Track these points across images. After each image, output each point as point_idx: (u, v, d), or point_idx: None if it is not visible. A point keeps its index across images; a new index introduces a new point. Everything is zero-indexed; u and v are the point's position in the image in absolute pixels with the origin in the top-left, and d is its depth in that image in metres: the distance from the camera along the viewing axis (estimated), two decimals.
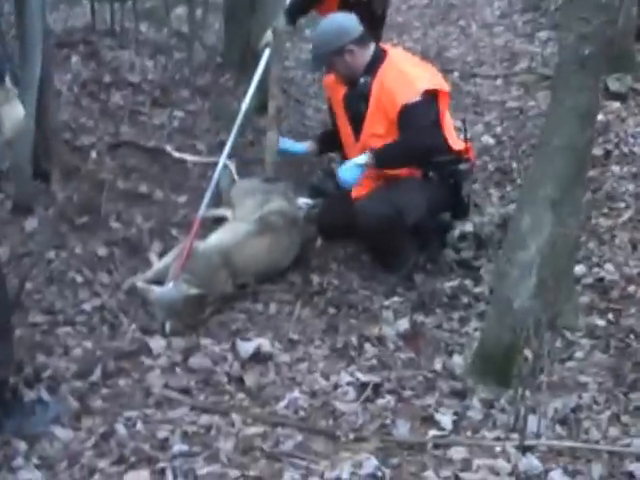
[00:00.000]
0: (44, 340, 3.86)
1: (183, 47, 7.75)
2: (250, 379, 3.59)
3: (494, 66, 8.03)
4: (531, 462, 2.93)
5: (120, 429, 3.20)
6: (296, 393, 3.47)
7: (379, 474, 2.92)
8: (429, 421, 3.30)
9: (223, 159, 4.93)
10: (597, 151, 5.66)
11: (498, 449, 3.04)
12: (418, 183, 4.51)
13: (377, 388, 3.51)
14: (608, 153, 5.78)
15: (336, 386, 3.54)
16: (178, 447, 3.09)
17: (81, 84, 6.60)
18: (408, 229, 4.50)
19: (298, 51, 8.50)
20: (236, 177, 5.26)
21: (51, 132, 5.22)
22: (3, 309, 3.22)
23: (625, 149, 5.88)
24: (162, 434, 3.18)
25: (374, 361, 3.77)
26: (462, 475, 2.93)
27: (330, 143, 5.07)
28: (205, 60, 7.64)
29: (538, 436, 3.12)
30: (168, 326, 4.01)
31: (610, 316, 4.08)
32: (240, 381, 3.60)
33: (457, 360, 3.71)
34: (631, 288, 4.31)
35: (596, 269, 4.49)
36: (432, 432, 3.21)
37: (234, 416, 3.30)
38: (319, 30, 4.67)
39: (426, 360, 3.78)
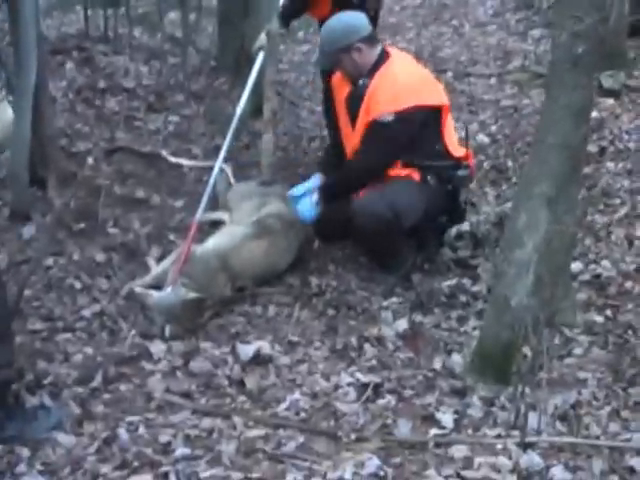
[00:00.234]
0: (44, 347, 3.85)
1: (177, 52, 7.79)
2: (251, 382, 3.59)
3: (488, 65, 8.06)
4: (532, 459, 2.94)
5: (122, 434, 3.20)
6: (297, 395, 3.48)
7: (381, 473, 2.93)
8: (430, 420, 3.31)
9: (219, 163, 4.93)
10: (592, 148, 5.69)
11: (499, 446, 3.05)
12: (416, 186, 4.51)
13: (377, 388, 3.51)
14: (603, 150, 5.82)
15: (337, 387, 3.55)
16: (180, 451, 3.09)
17: (76, 90, 6.64)
18: (404, 231, 4.51)
19: (292, 54, 8.53)
20: (232, 180, 5.27)
21: (47, 139, 5.23)
22: (3, 312, 3.23)
23: (620, 145, 5.92)
24: (164, 438, 3.19)
25: (374, 361, 3.77)
26: (464, 473, 2.94)
27: (336, 167, 5.03)
28: (199, 64, 7.69)
29: (539, 433, 3.13)
30: (167, 330, 4.01)
31: (608, 312, 4.09)
32: (241, 384, 3.60)
33: (456, 359, 3.71)
34: (628, 284, 4.33)
35: (593, 266, 4.51)
36: (433, 431, 3.22)
37: (236, 419, 3.30)
38: (329, 27, 4.66)
39: (425, 359, 3.79)
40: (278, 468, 3.04)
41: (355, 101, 4.61)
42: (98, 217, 5.03)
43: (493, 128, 6.52)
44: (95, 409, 3.40)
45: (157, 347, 3.87)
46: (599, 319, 4.03)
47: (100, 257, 4.67)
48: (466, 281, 4.50)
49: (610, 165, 5.61)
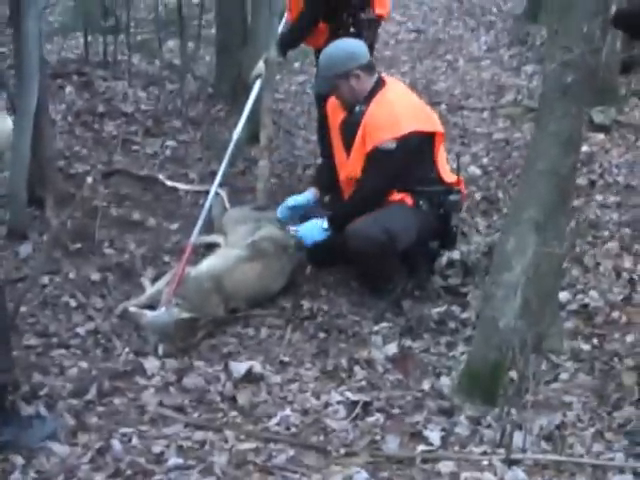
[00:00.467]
0: (39, 361, 3.91)
1: (175, 79, 7.87)
2: (242, 398, 3.65)
3: (481, 99, 8.14)
4: (517, 475, 3.00)
5: (116, 444, 3.25)
6: (288, 411, 3.54)
7: None
8: (418, 437, 3.37)
9: (215, 187, 5.01)
10: (582, 181, 5.79)
11: (485, 463, 3.12)
12: (409, 210, 4.58)
13: (367, 406, 3.58)
14: (592, 183, 5.91)
15: (327, 404, 3.61)
16: (173, 461, 3.14)
17: (75, 114, 6.73)
18: (397, 254, 4.58)
19: (288, 84, 8.62)
20: (227, 205, 5.35)
21: (46, 160, 5.32)
22: (1, 317, 3.30)
23: (609, 179, 6.02)
24: (157, 449, 3.24)
25: (363, 382, 3.83)
26: None
27: (329, 185, 5.05)
28: (197, 91, 7.78)
29: (524, 451, 3.19)
30: (160, 349, 4.07)
31: (595, 341, 4.16)
32: (233, 400, 3.65)
33: (445, 381, 3.77)
34: (615, 314, 4.40)
35: (581, 296, 4.58)
36: (421, 447, 3.28)
37: (227, 432, 3.35)
38: (328, 52, 4.71)
39: (414, 382, 3.84)
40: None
41: (350, 127, 4.66)
42: (94, 238, 5.09)
43: (485, 160, 6.59)
44: (89, 420, 3.45)
45: (151, 363, 3.93)
46: (586, 347, 4.09)
47: (95, 276, 4.73)
48: (456, 308, 4.55)
49: (599, 198, 5.70)
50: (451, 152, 5.93)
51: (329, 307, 4.59)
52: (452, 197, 4.67)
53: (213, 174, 5.42)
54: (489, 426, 3.39)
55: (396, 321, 4.47)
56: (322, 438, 3.39)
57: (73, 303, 4.48)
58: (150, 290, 4.55)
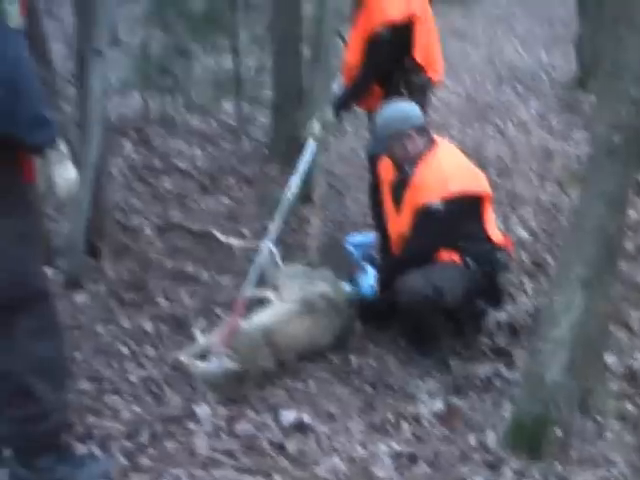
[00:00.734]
0: (93, 405, 3.99)
1: (230, 138, 8.04)
2: (291, 446, 3.72)
3: (529, 164, 8.19)
4: None
5: None
6: (335, 459, 3.61)
7: None
8: None
9: (267, 244, 5.12)
10: (629, 245, 5.83)
11: None
12: (457, 267, 4.65)
13: (413, 457, 3.64)
14: (639, 248, 5.94)
15: (373, 454, 3.67)
16: None
17: (133, 169, 6.93)
18: (445, 310, 4.64)
19: (340, 146, 8.75)
20: (279, 262, 5.44)
21: (104, 212, 5.47)
22: (61, 360, 3.40)
23: None
24: None
25: (410, 436, 3.89)
26: None
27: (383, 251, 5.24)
28: (251, 151, 7.93)
29: None
30: (210, 399, 4.15)
31: None
32: (281, 447, 3.72)
33: (490, 436, 3.81)
34: None
35: (627, 359, 4.60)
36: None
37: (276, 477, 3.43)
38: (385, 113, 4.83)
39: (460, 436, 3.89)
40: None
41: (401, 186, 4.79)
42: (148, 289, 5.21)
43: (533, 224, 6.65)
44: (141, 462, 3.52)
45: (202, 410, 3.99)
46: (631, 408, 4.10)
47: (148, 326, 4.82)
48: (502, 368, 4.59)
49: None
50: (499, 215, 6.01)
51: (377, 363, 4.66)
52: (499, 256, 4.74)
53: (266, 231, 5.54)
54: (533, 478, 3.42)
55: (442, 378, 4.52)
56: None
57: (126, 351, 4.56)
58: (202, 341, 4.62)
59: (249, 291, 4.81)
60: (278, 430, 3.87)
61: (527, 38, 14.29)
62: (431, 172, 4.66)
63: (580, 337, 3.49)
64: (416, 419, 4.07)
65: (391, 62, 5.29)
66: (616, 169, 3.43)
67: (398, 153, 4.78)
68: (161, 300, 5.17)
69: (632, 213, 6.24)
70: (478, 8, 17.66)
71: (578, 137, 8.71)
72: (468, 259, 4.67)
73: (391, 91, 5.28)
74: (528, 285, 5.59)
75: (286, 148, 7.27)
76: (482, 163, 7.75)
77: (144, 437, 3.71)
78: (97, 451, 3.55)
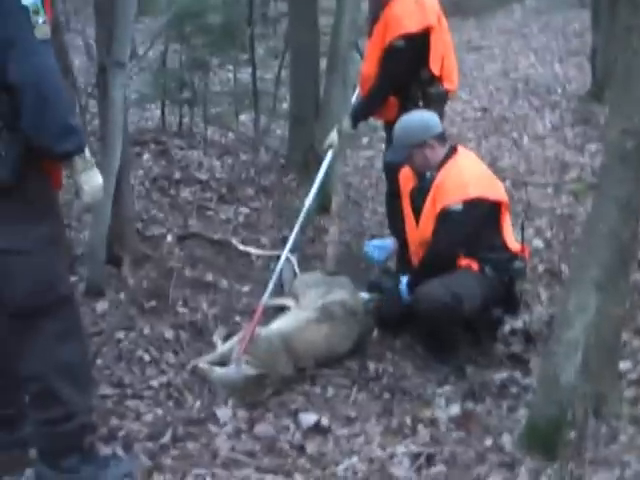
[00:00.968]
0: (116, 408, 4.08)
1: (248, 150, 8.13)
2: (311, 447, 3.81)
3: (545, 175, 8.22)
4: None
5: None
6: (354, 459, 3.68)
7: None
8: None
9: (286, 253, 5.20)
10: None
11: None
12: (475, 276, 4.71)
13: (430, 458, 3.69)
14: None
15: (392, 455, 3.73)
16: None
17: (152, 180, 7.00)
18: (463, 317, 4.68)
19: (356, 158, 8.82)
20: (297, 270, 5.51)
21: (125, 221, 5.54)
22: (85, 363, 3.49)
23: None
24: None
25: (427, 438, 3.94)
26: None
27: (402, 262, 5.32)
28: (269, 162, 8.02)
29: None
30: (230, 403, 4.22)
31: None
32: (301, 448, 3.80)
33: (506, 438, 3.85)
34: None
35: None
36: None
37: (297, 476, 3.51)
38: (404, 123, 4.90)
39: (476, 439, 3.93)
40: None
41: (421, 193, 4.85)
42: (169, 297, 5.28)
43: (548, 234, 6.69)
44: (164, 462, 3.60)
45: (223, 412, 4.09)
46: None
47: (169, 334, 4.88)
48: (518, 374, 4.61)
49: None
50: (515, 226, 6.04)
51: (394, 369, 4.71)
52: (517, 264, 4.79)
53: (284, 240, 5.62)
54: (549, 478, 3.46)
55: (459, 385, 4.55)
56: None
57: (147, 357, 4.63)
58: (221, 348, 4.70)
59: (267, 299, 4.87)
60: (298, 432, 3.95)
61: (542, 51, 14.33)
62: (452, 178, 4.73)
63: (594, 340, 3.54)
64: (433, 423, 4.12)
65: (407, 74, 5.34)
66: (628, 175, 3.48)
67: (419, 162, 4.86)
68: (181, 308, 5.24)
69: None
70: (493, 22, 17.74)
71: (593, 149, 8.74)
72: (486, 268, 4.73)
73: (407, 102, 5.34)
74: (543, 294, 5.62)
75: (303, 159, 7.36)
76: (498, 175, 7.76)
77: (166, 438, 3.79)
78: (121, 452, 3.63)
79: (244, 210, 6.87)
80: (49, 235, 3.24)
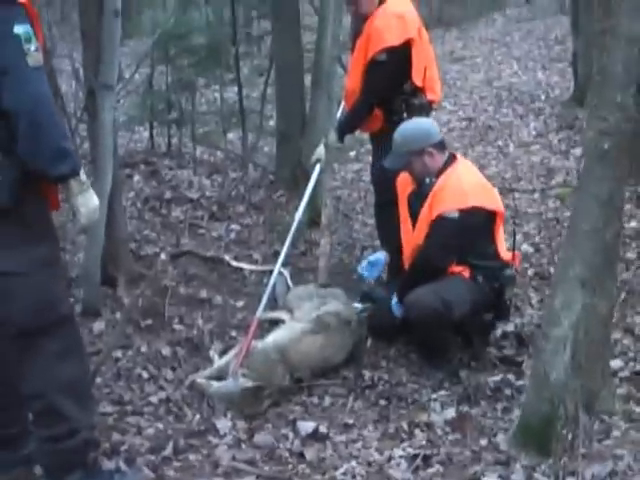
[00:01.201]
0: (117, 425, 4.14)
1: (237, 167, 8.21)
2: (310, 453, 3.87)
3: (531, 181, 8.30)
4: None
5: None
6: (353, 463, 3.75)
7: None
8: None
9: (278, 267, 5.27)
10: (631, 254, 5.95)
11: None
12: (465, 282, 4.78)
13: (427, 459, 3.77)
14: None
15: (390, 458, 3.80)
16: None
17: (144, 200, 7.08)
18: (453, 323, 4.75)
19: (344, 172, 8.90)
20: (290, 283, 5.58)
21: (119, 241, 5.60)
22: (86, 380, 3.57)
23: None
24: None
25: (423, 442, 4.01)
26: None
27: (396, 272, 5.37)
28: (258, 179, 8.10)
29: None
30: (229, 416, 4.29)
31: None
32: (301, 455, 3.87)
33: (501, 438, 3.92)
34: None
35: (632, 363, 4.68)
36: None
37: None
38: (404, 130, 4.97)
39: (472, 440, 4.00)
40: None
41: (418, 198, 4.92)
42: (164, 314, 5.35)
43: (537, 238, 6.77)
44: (167, 473, 3.68)
45: (223, 424, 4.16)
46: (638, 409, 4.15)
47: (166, 350, 4.95)
48: (511, 377, 4.68)
49: None
50: (505, 232, 6.13)
51: (389, 377, 4.77)
52: (507, 272, 4.87)
53: (276, 255, 5.70)
54: (544, 473, 3.53)
55: (454, 389, 4.62)
56: None
57: (145, 375, 4.70)
58: (218, 362, 4.75)
59: (262, 313, 4.94)
60: (297, 440, 4.02)
61: (524, 59, 14.46)
62: (450, 185, 4.80)
63: (582, 336, 3.62)
64: (429, 427, 4.19)
65: (391, 86, 5.41)
66: (607, 173, 3.59)
67: (417, 169, 4.93)
68: (177, 325, 5.31)
69: (634, 224, 6.40)
70: (475, 32, 17.89)
71: (578, 153, 8.78)
72: (478, 275, 4.80)
73: (392, 114, 5.41)
74: (534, 297, 5.70)
75: (292, 174, 7.44)
76: None
77: (168, 451, 3.86)
78: (124, 466, 3.69)
79: (235, 227, 6.96)
80: (47, 256, 3.31)
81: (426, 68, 5.44)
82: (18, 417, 3.55)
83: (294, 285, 5.53)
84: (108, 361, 4.72)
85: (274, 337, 4.78)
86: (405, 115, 5.36)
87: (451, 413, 4.33)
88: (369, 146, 6.39)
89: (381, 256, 5.34)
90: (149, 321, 5.27)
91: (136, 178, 7.63)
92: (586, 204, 3.66)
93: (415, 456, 3.79)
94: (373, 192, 6.04)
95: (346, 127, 5.66)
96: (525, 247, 6.54)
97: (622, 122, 3.53)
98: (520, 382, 4.61)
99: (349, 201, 7.96)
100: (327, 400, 4.57)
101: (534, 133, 10.08)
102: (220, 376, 4.60)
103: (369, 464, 3.77)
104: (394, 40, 5.27)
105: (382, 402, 4.54)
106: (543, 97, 11.73)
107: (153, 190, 7.40)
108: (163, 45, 8.43)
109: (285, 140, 7.70)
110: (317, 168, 5.61)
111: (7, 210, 3.14)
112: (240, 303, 5.69)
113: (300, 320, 4.93)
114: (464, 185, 4.80)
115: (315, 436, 4.04)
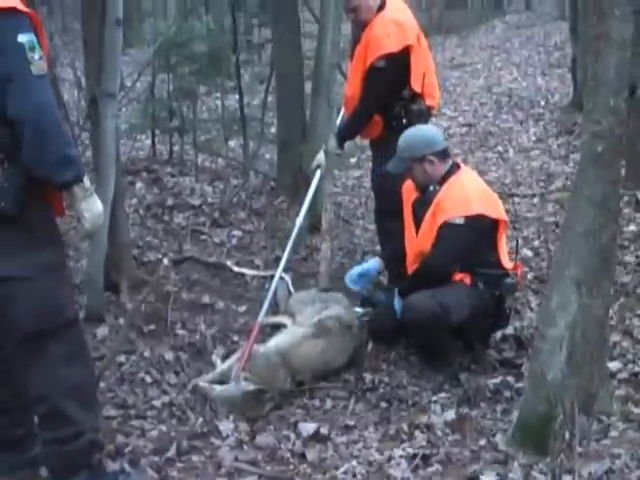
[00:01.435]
0: (121, 428, 4.18)
1: (239, 174, 8.27)
2: (311, 454, 3.92)
3: (531, 186, 8.35)
4: None
5: None
6: (354, 463, 3.80)
7: None
8: None
9: (279, 272, 5.30)
10: (630, 258, 6.00)
11: None
12: (465, 289, 4.82)
13: (427, 458, 3.82)
14: None
15: (390, 458, 3.85)
16: None
17: (146, 207, 7.13)
18: (451, 327, 4.78)
19: (345, 178, 8.95)
20: (291, 288, 5.63)
21: (121, 248, 5.65)
22: (91, 383, 3.62)
23: None
24: None
25: (423, 442, 4.05)
26: None
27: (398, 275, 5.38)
28: (259, 185, 8.15)
29: None
30: (231, 418, 4.33)
31: None
32: (302, 456, 3.92)
33: (500, 438, 3.97)
34: None
35: (631, 365, 4.72)
36: None
37: None
38: (407, 136, 5.00)
39: (471, 441, 4.04)
40: None
41: (422, 206, 4.96)
42: (167, 320, 5.40)
43: (536, 243, 6.82)
44: (171, 474, 3.72)
45: (225, 426, 4.20)
46: (636, 410, 4.20)
47: (169, 355, 4.99)
48: (510, 379, 4.70)
49: None
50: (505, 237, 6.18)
51: (390, 379, 4.81)
52: (508, 281, 4.89)
53: (277, 260, 5.73)
54: (541, 471, 3.58)
55: (454, 391, 4.65)
56: None
57: (149, 379, 4.74)
58: (221, 367, 4.79)
59: (263, 318, 4.98)
60: (298, 441, 4.07)
61: (524, 65, 14.53)
62: (454, 194, 4.85)
63: (579, 337, 3.67)
64: (429, 428, 4.22)
65: (390, 93, 5.45)
66: (602, 176, 3.64)
67: (418, 176, 4.97)
68: (180, 330, 5.35)
69: (632, 227, 6.45)
70: (475, 38, 17.96)
71: (577, 158, 8.78)
72: (479, 282, 4.84)
73: (391, 120, 5.46)
74: (533, 301, 5.74)
75: (292, 181, 7.49)
76: None
77: (171, 452, 3.91)
78: (128, 467, 3.74)
79: (237, 233, 7.01)
80: (53, 261, 3.36)
81: (425, 74, 5.47)
82: (24, 420, 3.61)
83: (295, 290, 5.58)
84: (112, 366, 4.74)
85: (276, 341, 4.83)
86: (404, 121, 5.40)
87: (451, 415, 4.37)
88: (370, 153, 6.43)
89: (371, 266, 5.36)
90: (152, 326, 5.31)
91: (138, 185, 7.69)
92: (581, 206, 3.71)
93: (415, 456, 3.84)
94: (374, 198, 6.08)
95: (346, 133, 5.71)
96: (525, 251, 6.58)
97: (615, 126, 3.59)
98: (519, 384, 4.63)
99: (350, 207, 8.01)
100: (328, 403, 4.61)
101: (534, 138, 10.13)
102: (222, 380, 4.63)
103: (369, 464, 3.81)
104: (393, 47, 5.31)
105: (383, 404, 4.58)
106: (543, 103, 11.79)
107: (155, 197, 7.46)
108: (164, 53, 8.49)
109: (286, 147, 7.75)
110: (317, 174, 5.64)
111: (12, 216, 3.19)
112: (242, 308, 5.73)
113: (301, 324, 4.97)
114: (468, 193, 4.85)
115: (316, 437, 4.09)
